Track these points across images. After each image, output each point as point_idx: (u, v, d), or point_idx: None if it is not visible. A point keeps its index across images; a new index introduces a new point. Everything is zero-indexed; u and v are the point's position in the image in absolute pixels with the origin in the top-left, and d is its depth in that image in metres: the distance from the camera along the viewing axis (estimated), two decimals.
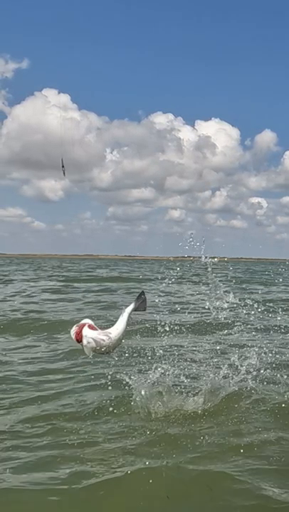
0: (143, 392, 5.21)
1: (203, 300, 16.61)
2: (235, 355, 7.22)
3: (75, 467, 3.78)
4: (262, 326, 9.86)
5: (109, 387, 5.60)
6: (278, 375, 6.01)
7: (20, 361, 7.29)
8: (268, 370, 6.11)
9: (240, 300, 6.56)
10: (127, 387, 5.52)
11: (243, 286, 23.50)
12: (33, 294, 18.10)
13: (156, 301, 16.03)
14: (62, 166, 6.54)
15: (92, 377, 6.28)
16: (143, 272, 41.98)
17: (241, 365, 5.86)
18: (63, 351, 7.83)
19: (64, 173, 6.61)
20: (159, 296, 18.12)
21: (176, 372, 6.00)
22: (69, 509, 3.32)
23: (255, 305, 6.72)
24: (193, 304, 15.95)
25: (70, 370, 6.74)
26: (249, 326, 9.14)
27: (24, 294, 18.27)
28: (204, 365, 7.05)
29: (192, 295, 19.05)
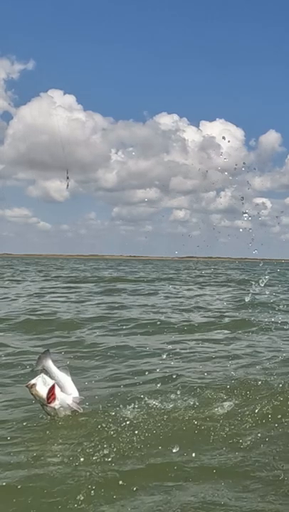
0: (153, 390, 5.41)
1: (206, 301, 16.81)
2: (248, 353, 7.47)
3: (78, 462, 3.90)
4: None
5: (120, 385, 5.80)
6: None
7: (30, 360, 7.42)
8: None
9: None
10: (137, 385, 5.72)
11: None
12: (41, 294, 18.29)
13: (166, 301, 16.23)
14: (67, 178, 6.50)
15: (101, 375, 6.46)
16: (149, 273, 42.10)
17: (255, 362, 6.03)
18: (74, 351, 8.00)
19: (68, 185, 6.55)
20: (167, 297, 18.34)
21: (186, 369, 6.20)
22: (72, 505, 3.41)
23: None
24: (202, 305, 16.11)
25: (80, 370, 6.86)
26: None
27: (32, 293, 18.47)
28: (215, 362, 7.25)
29: (200, 296, 19.21)
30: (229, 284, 27.64)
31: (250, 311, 13.75)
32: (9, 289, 20.82)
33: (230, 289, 23.69)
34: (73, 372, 6.54)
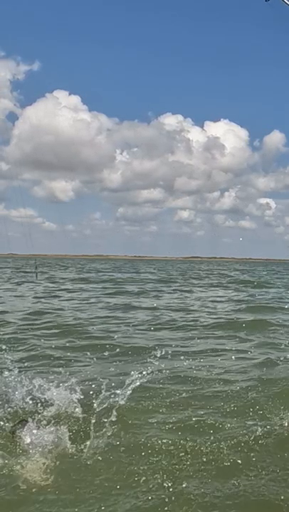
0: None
1: (212, 302, 17.00)
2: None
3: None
4: None
5: (130, 384, 5.99)
6: None
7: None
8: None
9: None
10: (146, 383, 5.94)
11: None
12: (48, 296, 18.54)
13: (172, 302, 16.39)
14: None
15: (110, 373, 6.63)
16: (154, 274, 42.29)
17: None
18: (84, 354, 8.16)
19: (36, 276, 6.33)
20: (173, 298, 18.56)
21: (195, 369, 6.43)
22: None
23: None
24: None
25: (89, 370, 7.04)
26: None
27: (39, 295, 18.72)
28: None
29: (206, 297, 19.41)
30: (234, 285, 27.88)
31: (255, 312, 14.01)
32: (17, 291, 21.08)
33: (232, 290, 23.94)
34: (83, 372, 6.75)
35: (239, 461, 3.98)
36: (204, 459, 4.01)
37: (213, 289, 25.05)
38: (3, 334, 9.70)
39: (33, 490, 3.57)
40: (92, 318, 12.26)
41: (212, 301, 17.75)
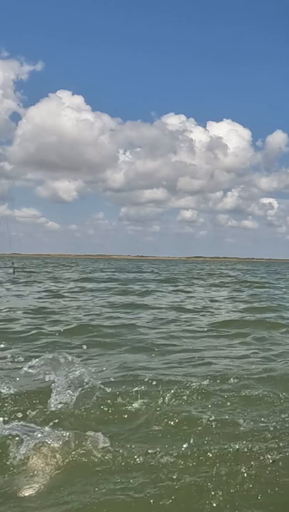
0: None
1: (217, 302, 17.09)
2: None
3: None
4: None
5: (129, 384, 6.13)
6: None
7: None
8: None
9: None
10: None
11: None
12: (54, 296, 18.67)
13: (176, 302, 16.46)
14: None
15: (118, 369, 6.76)
16: (158, 274, 42.40)
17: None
18: (89, 353, 8.20)
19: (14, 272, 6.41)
20: (177, 298, 18.67)
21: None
22: None
23: None
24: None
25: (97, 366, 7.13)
26: None
27: (45, 295, 18.87)
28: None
29: (211, 297, 19.50)
30: (237, 285, 27.99)
31: (261, 312, 14.11)
32: (21, 290, 21.21)
33: (235, 290, 24.04)
34: (90, 371, 6.71)
35: (252, 463, 3.99)
36: (211, 463, 3.99)
37: (216, 288, 25.17)
38: (11, 333, 9.85)
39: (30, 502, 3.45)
40: (97, 318, 12.37)
41: (216, 301, 17.85)
